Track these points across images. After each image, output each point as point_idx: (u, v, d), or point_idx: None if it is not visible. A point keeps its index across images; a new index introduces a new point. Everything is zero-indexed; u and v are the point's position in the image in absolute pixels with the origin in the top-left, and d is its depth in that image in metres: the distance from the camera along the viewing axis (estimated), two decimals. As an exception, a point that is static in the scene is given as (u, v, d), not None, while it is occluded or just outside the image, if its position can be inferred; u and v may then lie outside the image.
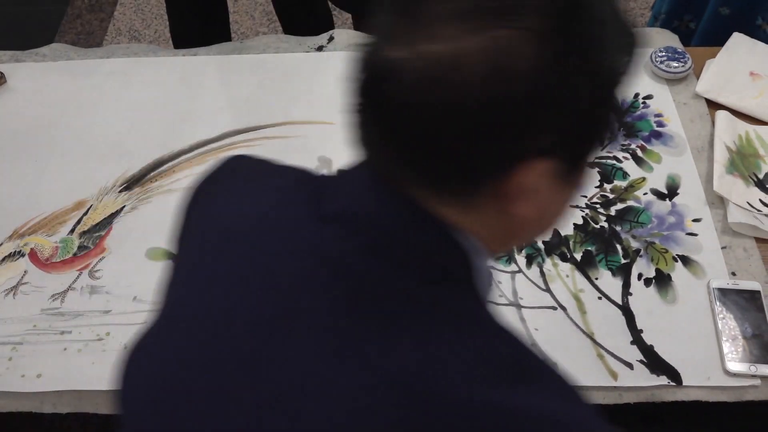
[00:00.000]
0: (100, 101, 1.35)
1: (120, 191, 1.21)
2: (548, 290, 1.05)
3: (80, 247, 1.14)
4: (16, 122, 1.33)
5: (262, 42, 1.43)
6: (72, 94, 1.37)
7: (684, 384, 0.95)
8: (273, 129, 1.28)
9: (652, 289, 1.04)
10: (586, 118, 0.48)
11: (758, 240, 1.07)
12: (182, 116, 1.32)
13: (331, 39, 1.41)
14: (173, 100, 1.35)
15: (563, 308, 1.03)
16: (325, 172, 1.18)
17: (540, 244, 1.09)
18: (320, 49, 1.40)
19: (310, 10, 2.00)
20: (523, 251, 1.09)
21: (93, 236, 1.15)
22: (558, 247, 1.09)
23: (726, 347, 0.96)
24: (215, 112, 1.32)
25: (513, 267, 1.07)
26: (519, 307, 1.03)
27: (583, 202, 1.14)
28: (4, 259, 1.13)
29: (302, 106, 1.31)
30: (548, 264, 1.07)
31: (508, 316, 1.02)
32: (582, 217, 1.12)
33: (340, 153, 1.23)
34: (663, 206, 1.13)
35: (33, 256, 1.13)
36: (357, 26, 1.71)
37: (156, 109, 1.33)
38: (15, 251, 1.14)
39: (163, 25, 2.67)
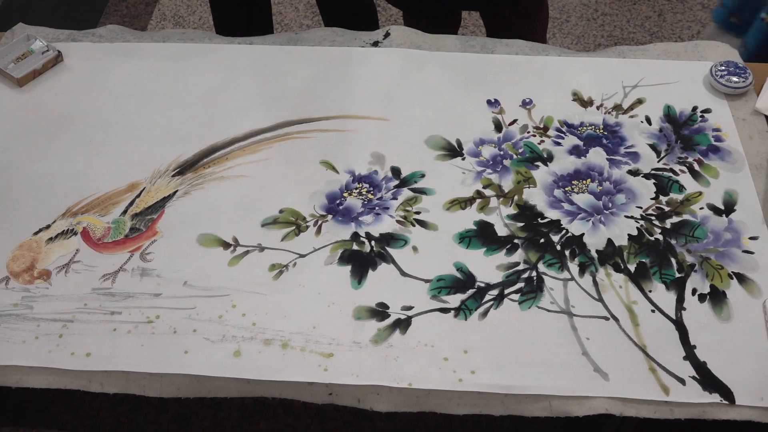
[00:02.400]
0: (155, 84, 1.36)
1: (173, 175, 1.21)
2: (601, 300, 1.04)
3: (132, 229, 1.14)
4: (72, 101, 1.34)
5: (317, 35, 1.43)
6: (127, 75, 1.38)
7: (737, 403, 0.93)
8: (327, 122, 1.28)
9: (706, 305, 1.03)
10: None
11: (817, 262, 1.06)
12: (236, 104, 1.32)
13: (387, 35, 1.41)
14: (228, 87, 1.35)
15: (616, 319, 1.02)
16: (377, 168, 1.18)
17: (593, 253, 1.08)
18: (376, 44, 1.40)
19: (354, 5, 1.99)
20: (576, 259, 1.08)
21: (145, 219, 1.15)
22: (612, 257, 1.08)
23: (781, 369, 0.95)
24: (269, 102, 1.32)
25: (565, 275, 1.06)
26: (571, 315, 1.02)
27: (638, 213, 1.13)
28: (57, 236, 1.14)
29: (356, 100, 1.31)
30: (601, 274, 1.06)
31: (559, 324, 1.02)
32: (637, 228, 1.11)
33: (394, 150, 1.23)
34: (719, 222, 1.12)
35: (85, 235, 1.14)
36: (407, 22, 1.71)
37: (210, 96, 1.34)
38: (68, 229, 1.15)
39: (207, 12, 2.68)
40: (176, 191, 1.19)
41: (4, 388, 1.01)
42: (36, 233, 1.14)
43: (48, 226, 1.15)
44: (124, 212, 1.17)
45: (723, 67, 1.29)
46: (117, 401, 1.69)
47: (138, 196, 1.19)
